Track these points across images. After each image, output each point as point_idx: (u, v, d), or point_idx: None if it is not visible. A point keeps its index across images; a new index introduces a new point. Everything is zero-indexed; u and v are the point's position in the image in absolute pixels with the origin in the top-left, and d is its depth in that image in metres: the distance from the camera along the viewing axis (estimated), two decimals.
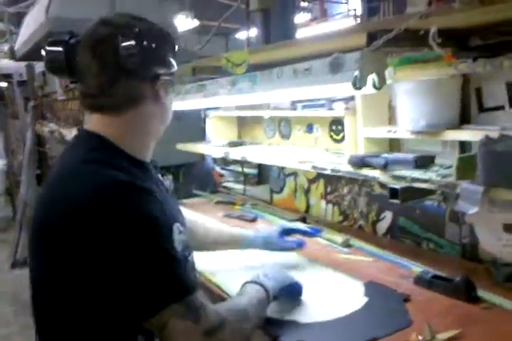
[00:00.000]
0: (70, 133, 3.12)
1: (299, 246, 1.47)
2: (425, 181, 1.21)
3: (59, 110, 3.55)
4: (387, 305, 1.19)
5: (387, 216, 1.79)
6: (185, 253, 0.90)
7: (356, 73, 1.10)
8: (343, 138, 1.79)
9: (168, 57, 1.00)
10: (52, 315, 0.93)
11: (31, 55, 3.73)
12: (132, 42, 0.90)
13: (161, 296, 0.82)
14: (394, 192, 1.26)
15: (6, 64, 4.97)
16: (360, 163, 1.38)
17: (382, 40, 1.06)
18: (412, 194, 1.28)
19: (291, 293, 1.21)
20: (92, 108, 0.97)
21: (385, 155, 1.37)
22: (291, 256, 1.56)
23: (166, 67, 0.99)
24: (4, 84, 5.57)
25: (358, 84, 1.11)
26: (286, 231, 1.48)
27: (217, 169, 3.20)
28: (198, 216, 1.47)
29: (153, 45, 0.95)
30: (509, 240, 1.34)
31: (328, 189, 2.05)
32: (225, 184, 3.15)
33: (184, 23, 3.21)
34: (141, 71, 0.93)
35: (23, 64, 4.24)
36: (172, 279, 0.83)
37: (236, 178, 3.25)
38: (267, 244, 1.45)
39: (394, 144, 1.63)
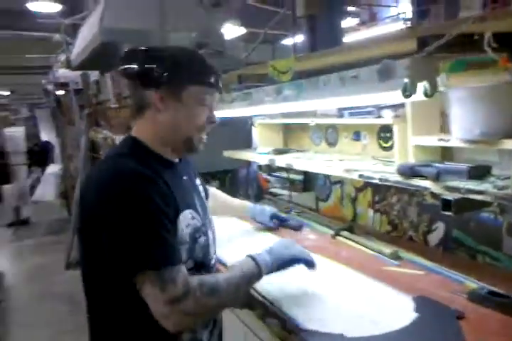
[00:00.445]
0: None
1: (275, 225, 1.94)
2: (480, 193, 1.15)
3: (112, 117, 3.67)
4: (439, 322, 1.13)
5: (440, 227, 1.72)
6: (196, 235, 1.12)
7: (406, 80, 1.07)
8: (391, 146, 1.74)
9: (178, 73, 1.10)
10: (94, 291, 1.13)
11: (86, 64, 3.89)
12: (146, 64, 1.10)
13: (139, 262, 0.97)
14: (447, 204, 1.21)
15: (63, 73, 5.21)
16: (409, 172, 1.33)
17: (434, 46, 1.02)
18: (465, 206, 1.22)
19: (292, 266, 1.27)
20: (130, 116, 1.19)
21: (437, 164, 1.32)
22: (337, 267, 1.53)
23: (177, 79, 1.10)
24: (61, 93, 5.82)
25: (408, 91, 1.07)
26: (276, 217, 1.95)
27: (264, 175, 3.19)
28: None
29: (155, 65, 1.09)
30: None
31: (376, 198, 2.00)
32: (272, 190, 3.14)
33: (231, 30, 3.25)
34: (146, 80, 1.09)
35: (78, 73, 4.41)
36: (150, 251, 0.97)
37: (282, 184, 3.24)
38: (258, 215, 1.92)
39: (446, 153, 1.56)
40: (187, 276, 1.00)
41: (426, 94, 1.08)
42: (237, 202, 1.98)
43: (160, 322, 0.98)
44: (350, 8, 6.33)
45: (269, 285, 1.39)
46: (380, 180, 1.46)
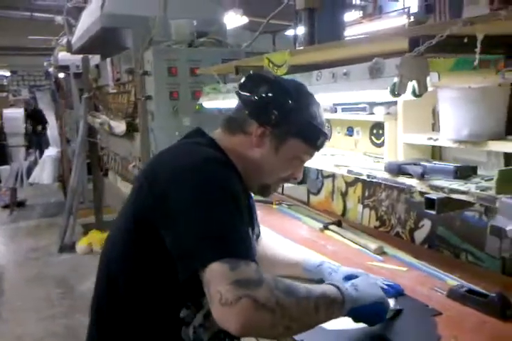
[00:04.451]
0: (118, 126, 3.22)
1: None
2: (464, 193, 1.16)
3: (110, 102, 3.67)
4: (416, 319, 1.16)
5: (426, 224, 1.74)
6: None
7: (396, 79, 1.07)
8: (383, 143, 1.75)
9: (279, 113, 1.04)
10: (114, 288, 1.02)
11: (86, 48, 3.88)
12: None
13: (220, 248, 0.83)
14: (430, 202, 1.22)
15: (64, 56, 5.19)
16: (397, 170, 1.35)
17: (425, 47, 1.03)
18: (449, 205, 1.23)
19: (372, 315, 1.02)
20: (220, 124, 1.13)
21: (424, 163, 1.33)
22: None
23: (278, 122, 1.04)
24: (62, 75, 5.81)
25: (397, 90, 1.08)
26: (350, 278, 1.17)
27: None
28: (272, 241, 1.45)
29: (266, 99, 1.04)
30: None
31: (366, 193, 2.02)
32: None
33: (233, 19, 3.23)
34: (257, 112, 1.04)
35: (79, 56, 4.40)
36: (235, 240, 0.86)
37: None
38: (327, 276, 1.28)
39: (436, 151, 1.57)
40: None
41: (414, 94, 1.09)
42: (290, 257, 1.37)
43: (220, 319, 0.80)
44: (355, 1, 6.29)
45: None
46: (368, 176, 1.48)
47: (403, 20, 5.72)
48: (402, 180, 1.35)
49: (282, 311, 0.81)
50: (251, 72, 1.12)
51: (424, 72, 1.09)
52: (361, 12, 6.54)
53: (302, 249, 1.63)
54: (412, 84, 1.08)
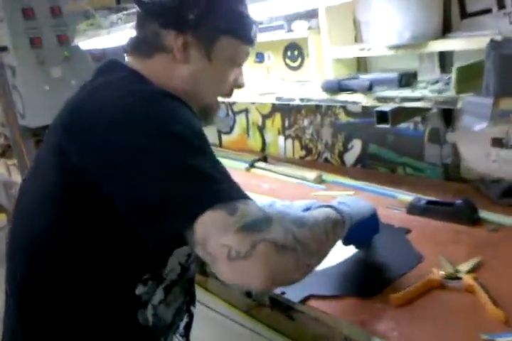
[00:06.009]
0: None
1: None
2: (418, 99, 1.07)
3: None
4: (390, 240, 1.08)
5: (356, 145, 1.67)
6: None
7: None
8: (300, 65, 1.61)
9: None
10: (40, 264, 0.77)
11: None
12: None
13: (206, 197, 0.63)
14: (383, 116, 1.12)
15: None
16: (336, 87, 1.22)
17: None
18: (401, 115, 1.14)
19: (367, 230, 0.96)
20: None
21: (364, 76, 1.22)
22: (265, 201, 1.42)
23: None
24: None
25: None
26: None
27: None
28: None
29: None
30: (498, 155, 1.27)
31: (286, 123, 1.89)
32: None
33: None
34: (168, 18, 0.82)
35: None
36: (218, 184, 0.65)
37: None
38: None
39: (361, 64, 1.47)
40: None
41: None
42: None
43: (234, 277, 0.62)
44: None
45: None
46: (302, 100, 1.33)
47: None
48: (344, 97, 1.23)
49: (302, 247, 0.66)
50: None
51: None
52: None
53: None
54: None
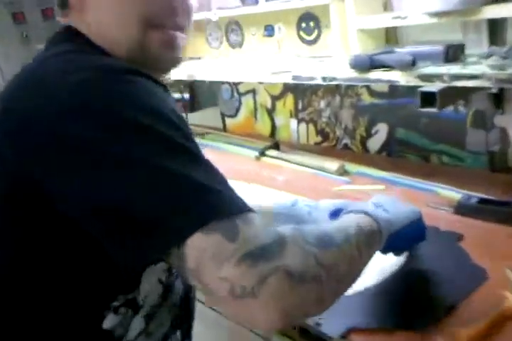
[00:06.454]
0: None
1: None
2: (473, 77, 0.87)
3: None
4: (439, 249, 0.89)
5: (382, 129, 1.47)
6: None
7: None
8: (316, 39, 1.39)
9: None
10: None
11: None
12: None
13: (193, 214, 0.46)
14: (429, 98, 0.91)
15: None
16: (369, 63, 1.01)
17: None
18: (451, 97, 0.94)
19: (411, 239, 0.78)
20: None
21: (401, 49, 1.01)
22: (282, 197, 1.22)
23: None
24: None
25: None
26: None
27: None
28: None
29: None
30: None
31: (300, 105, 1.68)
32: None
33: None
34: None
35: None
36: (206, 195, 0.48)
37: None
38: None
39: (391, 37, 1.26)
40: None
41: None
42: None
43: (241, 317, 0.47)
44: None
45: None
46: (325, 79, 1.12)
47: None
48: (377, 75, 1.02)
49: (328, 272, 0.50)
50: None
51: None
52: None
53: (256, 189, 1.28)
54: None
